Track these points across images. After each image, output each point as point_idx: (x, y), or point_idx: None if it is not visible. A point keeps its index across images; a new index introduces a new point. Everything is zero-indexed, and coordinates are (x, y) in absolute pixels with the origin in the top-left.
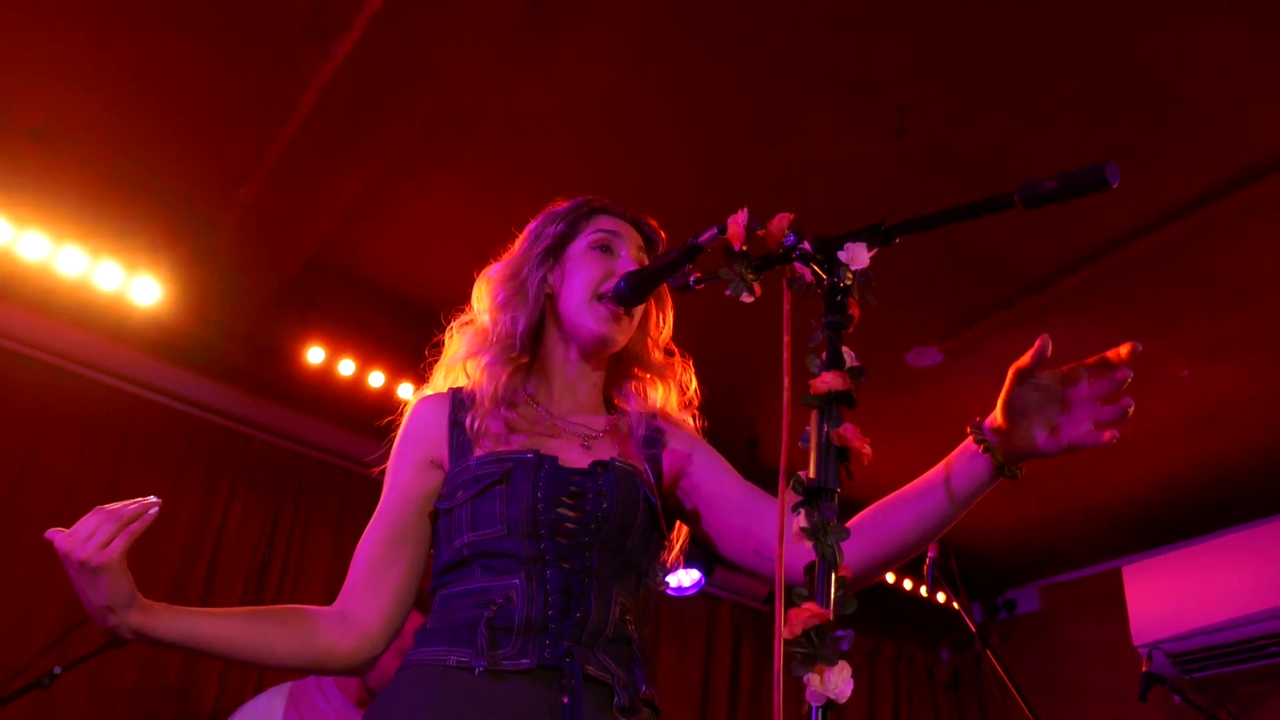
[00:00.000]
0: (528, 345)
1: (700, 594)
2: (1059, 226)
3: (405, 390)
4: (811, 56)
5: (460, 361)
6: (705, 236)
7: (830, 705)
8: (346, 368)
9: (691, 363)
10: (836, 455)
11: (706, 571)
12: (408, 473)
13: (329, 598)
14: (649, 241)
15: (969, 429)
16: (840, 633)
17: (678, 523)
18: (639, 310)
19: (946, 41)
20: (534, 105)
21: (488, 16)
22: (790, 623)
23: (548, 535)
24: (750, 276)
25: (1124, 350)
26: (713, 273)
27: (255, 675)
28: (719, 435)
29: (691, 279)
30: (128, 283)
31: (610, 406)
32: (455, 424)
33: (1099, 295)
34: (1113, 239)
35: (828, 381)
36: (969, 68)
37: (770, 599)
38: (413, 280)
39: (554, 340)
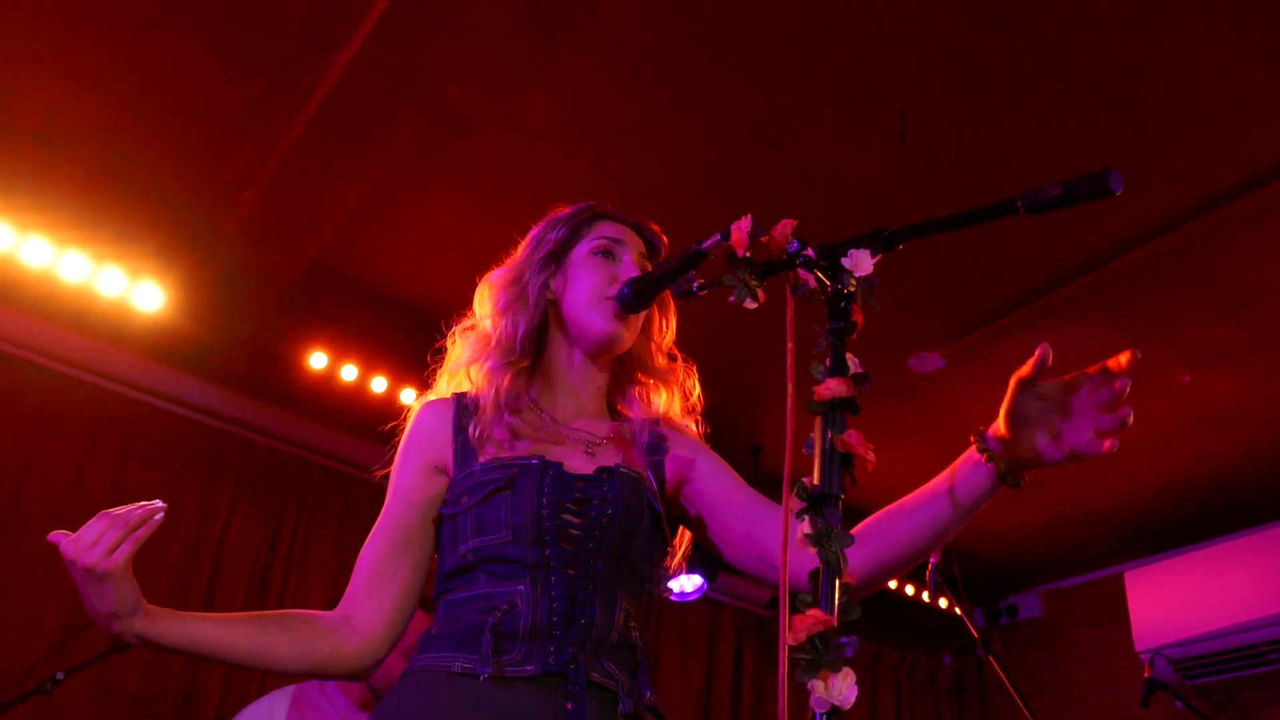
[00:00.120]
0: (529, 350)
1: (703, 599)
2: (1061, 233)
3: (407, 395)
4: (813, 63)
5: (463, 367)
6: (709, 243)
7: (835, 712)
8: (349, 373)
9: (695, 368)
10: (840, 462)
11: (709, 577)
12: (411, 478)
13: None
14: (651, 247)
15: (972, 438)
16: (844, 639)
17: (680, 528)
18: (643, 315)
19: (948, 48)
20: (535, 112)
21: (489, 24)
22: (794, 629)
23: (552, 541)
24: (754, 283)
25: (1124, 359)
26: (716, 279)
27: (258, 678)
28: (722, 441)
29: (695, 285)
30: (130, 288)
31: (614, 412)
32: (459, 429)
33: (1101, 301)
34: (1115, 245)
35: (832, 388)
36: (971, 74)
37: (773, 605)
38: (415, 286)
39: (558, 344)
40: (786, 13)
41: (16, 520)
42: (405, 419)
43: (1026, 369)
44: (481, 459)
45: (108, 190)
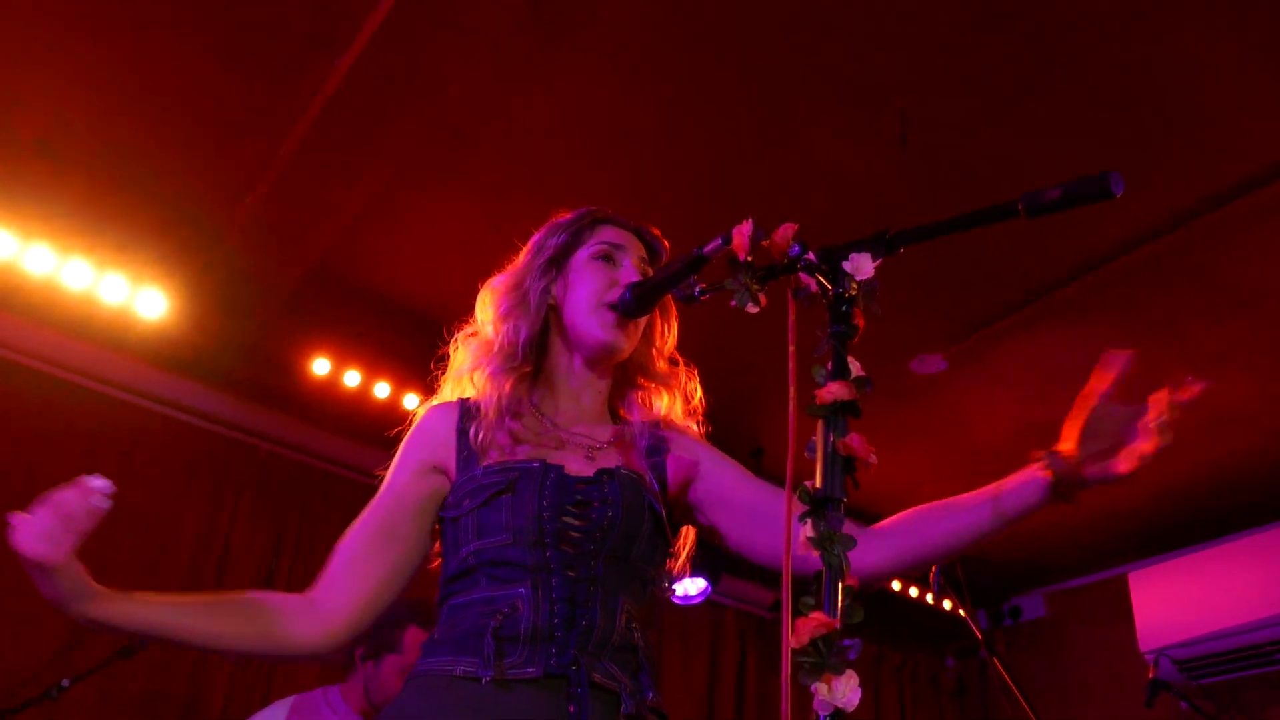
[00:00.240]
0: (530, 355)
1: (706, 602)
2: (1062, 234)
3: (410, 401)
4: (813, 65)
5: (466, 373)
6: (710, 247)
7: (838, 714)
8: (352, 378)
9: (696, 373)
10: (842, 465)
11: (712, 580)
12: (406, 474)
13: None
14: (652, 251)
15: (1035, 454)
16: (847, 641)
17: (683, 530)
18: (643, 320)
19: (948, 50)
20: (536, 115)
21: (490, 27)
22: (798, 632)
23: (553, 544)
24: (755, 287)
25: (1194, 389)
26: (718, 283)
27: (262, 685)
28: (723, 445)
29: (696, 289)
30: (133, 295)
31: (615, 417)
32: (462, 433)
33: (1102, 302)
34: (1116, 246)
35: (833, 391)
36: (971, 76)
37: (775, 607)
38: (417, 290)
39: (558, 350)
40: (787, 14)
41: None
42: (410, 423)
43: (1104, 383)
44: (483, 463)
45: (110, 197)
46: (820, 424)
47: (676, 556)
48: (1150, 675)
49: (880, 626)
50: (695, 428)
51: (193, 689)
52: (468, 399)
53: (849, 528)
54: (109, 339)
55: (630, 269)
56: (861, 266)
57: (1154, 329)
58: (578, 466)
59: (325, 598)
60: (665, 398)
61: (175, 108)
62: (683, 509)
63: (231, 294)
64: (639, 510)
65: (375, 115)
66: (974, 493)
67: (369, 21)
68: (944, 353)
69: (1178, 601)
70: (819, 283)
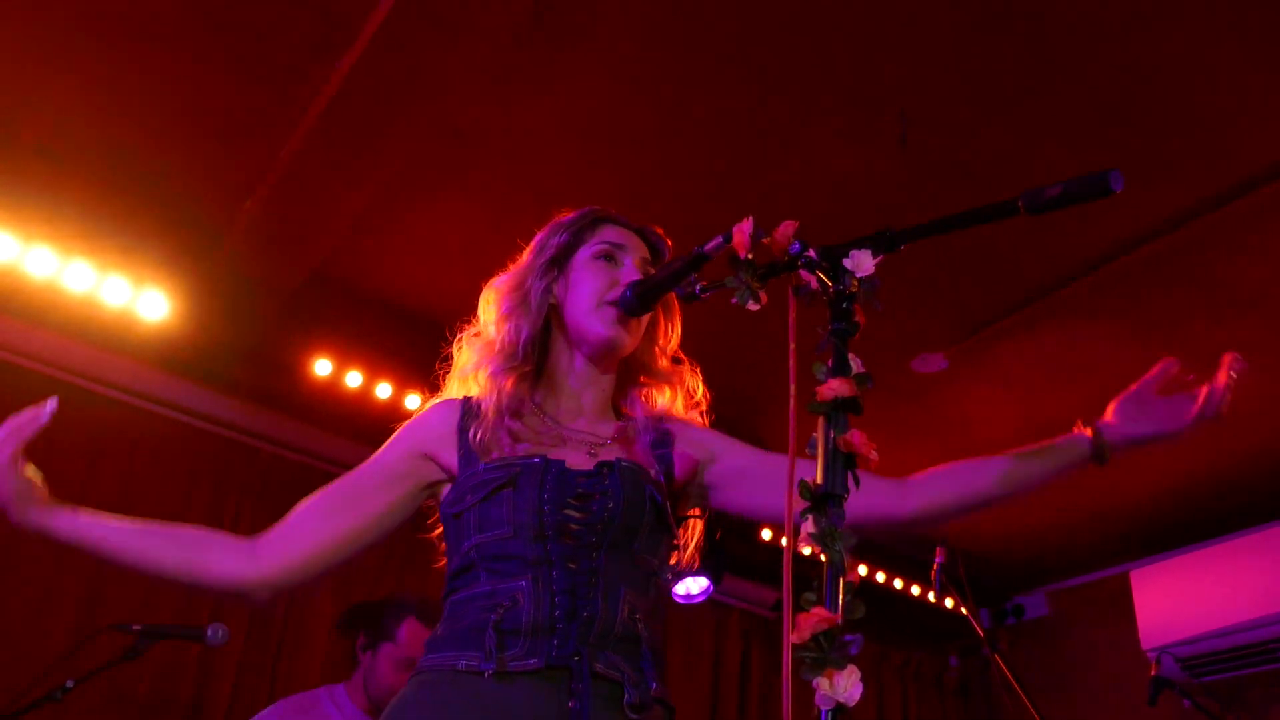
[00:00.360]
0: (531, 354)
1: (708, 602)
2: (1064, 233)
3: (412, 401)
4: (814, 67)
5: (470, 373)
6: (711, 245)
7: (840, 709)
8: (354, 379)
9: (699, 371)
10: (843, 462)
11: (715, 579)
12: (393, 452)
13: (337, 608)
14: (655, 251)
15: (1079, 422)
16: (849, 637)
17: (689, 523)
18: (646, 318)
19: (949, 51)
20: (537, 119)
21: (491, 32)
22: (799, 627)
23: (554, 537)
24: (756, 284)
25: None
26: (718, 281)
27: (267, 686)
28: None
29: (697, 287)
30: (135, 297)
31: (619, 415)
32: (462, 431)
33: (1104, 301)
34: (1117, 245)
35: (834, 388)
36: (972, 77)
37: (778, 607)
38: (419, 292)
39: (560, 349)
40: (787, 17)
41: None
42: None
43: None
44: (485, 460)
45: (112, 200)
46: (821, 421)
47: (684, 549)
48: (1152, 673)
49: (883, 625)
50: (699, 418)
51: (198, 691)
52: (471, 397)
53: (887, 480)
54: (111, 341)
55: (631, 268)
56: (862, 263)
57: (1155, 328)
58: (579, 461)
59: (267, 542)
60: (668, 394)
61: (177, 111)
62: (697, 494)
63: (233, 296)
64: (639, 502)
65: (376, 118)
66: (1015, 450)
67: (369, 25)
68: (945, 352)
69: (1180, 599)
70: (820, 280)
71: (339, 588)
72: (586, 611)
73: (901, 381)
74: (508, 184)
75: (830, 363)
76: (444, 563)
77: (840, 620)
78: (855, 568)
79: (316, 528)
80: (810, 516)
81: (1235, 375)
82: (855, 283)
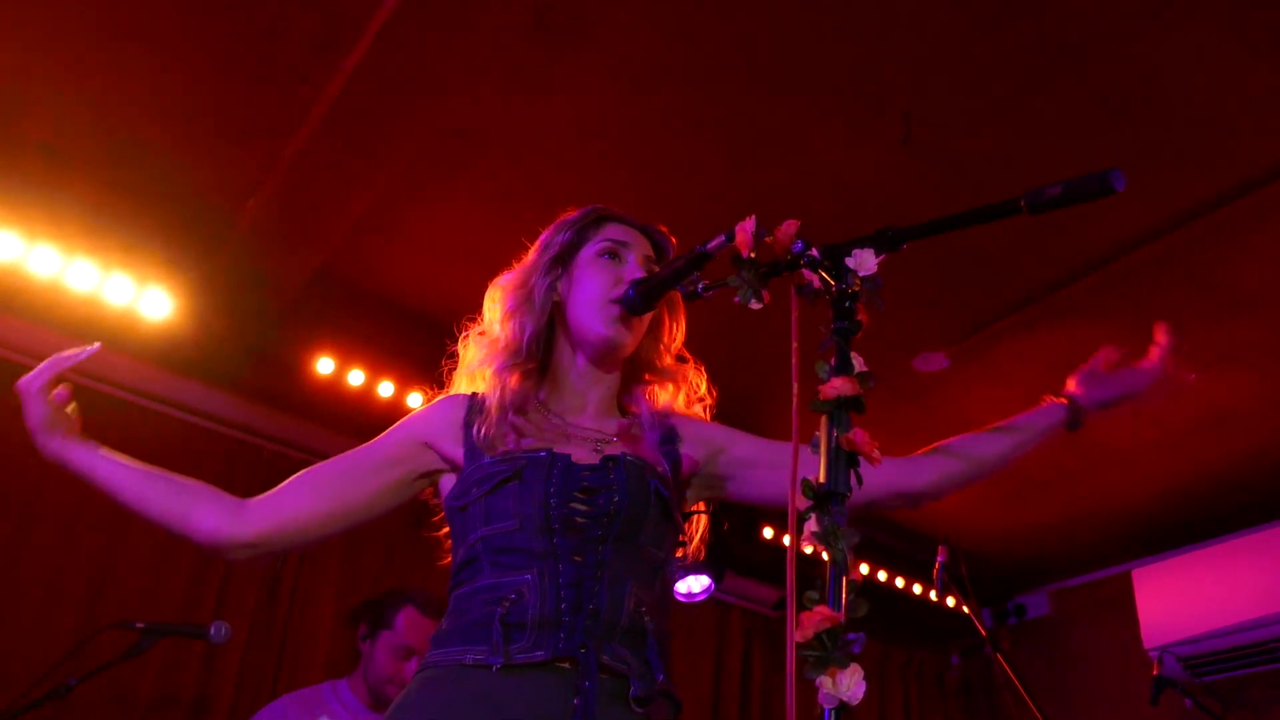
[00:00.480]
0: (535, 352)
1: (710, 601)
2: (1065, 233)
3: (414, 400)
4: (817, 67)
5: (475, 370)
6: (713, 244)
7: (843, 708)
8: (356, 378)
9: (704, 369)
10: (846, 460)
11: (716, 578)
12: (393, 436)
13: (340, 609)
14: (659, 249)
15: (1046, 396)
16: (852, 635)
17: (694, 518)
18: (649, 316)
19: (952, 50)
20: (539, 119)
21: (494, 31)
22: (802, 626)
23: (560, 530)
24: (758, 283)
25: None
26: (721, 280)
27: (270, 682)
28: None
29: (700, 285)
30: (138, 296)
31: (624, 412)
32: (468, 425)
33: (1105, 301)
34: (1119, 245)
35: (837, 387)
36: (975, 76)
37: (780, 605)
38: (421, 292)
39: (564, 347)
40: (789, 15)
41: (27, 527)
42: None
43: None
44: (490, 455)
45: (114, 198)
46: (824, 419)
47: (690, 542)
48: (1154, 673)
49: (885, 625)
50: (702, 413)
51: (201, 689)
52: (477, 394)
53: (897, 458)
54: (114, 340)
55: (635, 266)
56: (865, 262)
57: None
58: (584, 456)
59: (255, 505)
60: (671, 391)
61: (181, 110)
62: (706, 486)
63: (236, 295)
64: (644, 496)
65: (380, 117)
66: (1001, 422)
67: (373, 24)
68: (947, 351)
69: (1182, 599)
70: (822, 279)
71: (342, 586)
72: (592, 604)
73: (903, 380)
74: (511, 183)
75: (833, 361)
76: (448, 560)
77: (843, 619)
78: (857, 566)
79: (306, 499)
80: (813, 515)
81: (1165, 344)
82: (858, 282)
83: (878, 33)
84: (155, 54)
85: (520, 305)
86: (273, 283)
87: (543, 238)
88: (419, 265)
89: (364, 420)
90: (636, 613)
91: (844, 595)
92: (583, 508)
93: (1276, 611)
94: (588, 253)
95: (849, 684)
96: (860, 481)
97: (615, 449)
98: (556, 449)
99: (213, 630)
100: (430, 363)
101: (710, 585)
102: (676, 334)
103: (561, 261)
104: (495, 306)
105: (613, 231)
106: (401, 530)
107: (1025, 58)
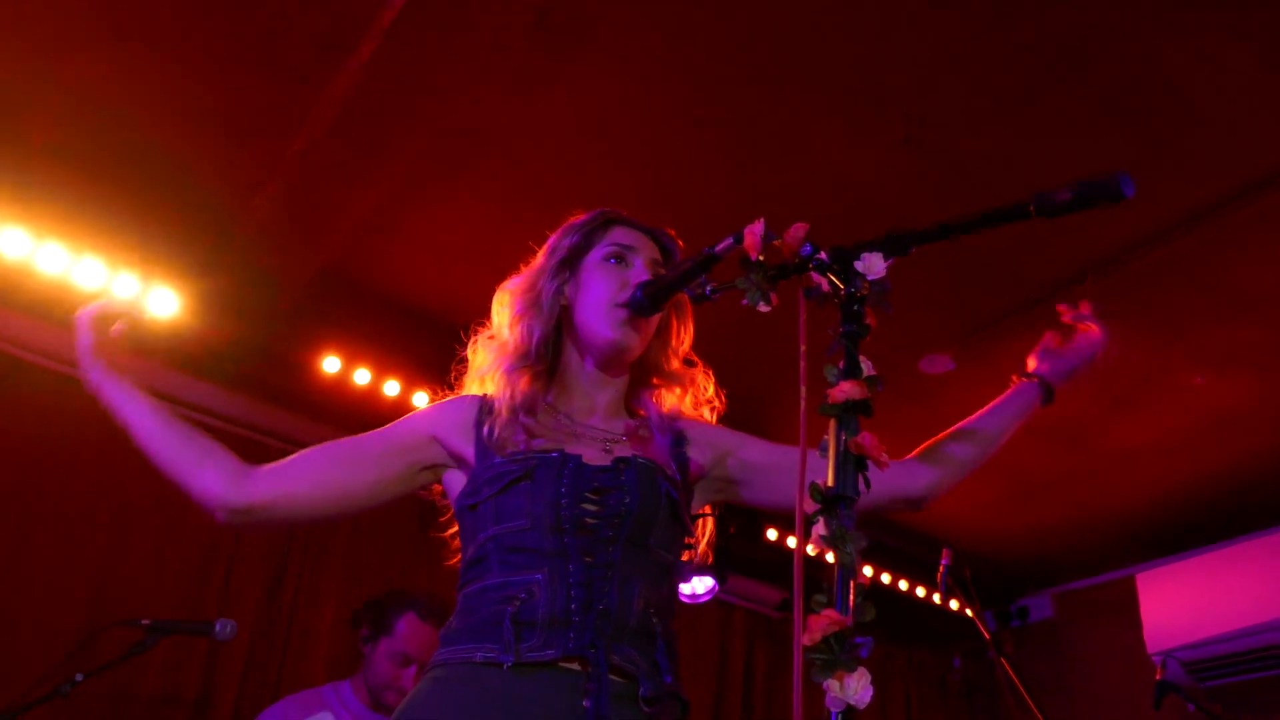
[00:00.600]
0: (543, 355)
1: (714, 601)
2: (1071, 234)
3: (420, 399)
4: (822, 68)
5: (485, 373)
6: (721, 246)
7: (849, 711)
8: (362, 377)
9: (712, 373)
10: (854, 464)
11: (720, 579)
12: (403, 426)
13: (344, 608)
14: (666, 252)
15: (1015, 376)
16: (859, 639)
17: (701, 521)
18: (657, 320)
19: (957, 52)
20: (542, 119)
21: (500, 32)
22: (810, 629)
23: (571, 530)
24: (767, 286)
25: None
26: (729, 282)
27: (273, 682)
28: None
29: (708, 288)
30: (144, 294)
31: (631, 415)
32: (479, 425)
33: (1110, 303)
34: (1124, 247)
35: (845, 390)
36: (978, 77)
37: (783, 606)
38: (427, 291)
39: (571, 350)
40: (794, 18)
41: (33, 524)
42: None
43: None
44: (500, 455)
45: (121, 197)
46: (832, 423)
47: (696, 545)
48: (1158, 677)
49: (887, 626)
50: (710, 417)
51: (205, 687)
52: (488, 395)
53: (895, 461)
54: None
55: (641, 270)
56: (873, 266)
57: (1163, 330)
58: (594, 456)
59: (259, 474)
60: (679, 395)
61: (188, 108)
62: (714, 490)
63: (243, 294)
64: (655, 498)
65: (386, 117)
66: (985, 409)
67: (379, 24)
68: (952, 352)
69: (1186, 603)
70: (831, 282)
71: (345, 587)
72: (602, 605)
73: (906, 381)
74: (514, 183)
75: (841, 365)
76: (455, 560)
77: (851, 622)
78: (863, 569)
79: (309, 476)
80: (821, 519)
81: (1081, 313)
82: (866, 285)
83: (881, 33)
84: (161, 54)
85: (528, 309)
86: (279, 282)
87: (550, 241)
88: (424, 264)
89: (370, 419)
90: (645, 614)
91: (851, 599)
92: (593, 508)
93: None
94: (594, 257)
95: (856, 687)
96: (869, 485)
97: (626, 450)
98: (568, 449)
99: (218, 628)
100: (436, 361)
101: (714, 586)
102: (684, 337)
103: (569, 265)
104: (503, 310)
105: (619, 235)
106: (405, 530)
107: (1028, 59)
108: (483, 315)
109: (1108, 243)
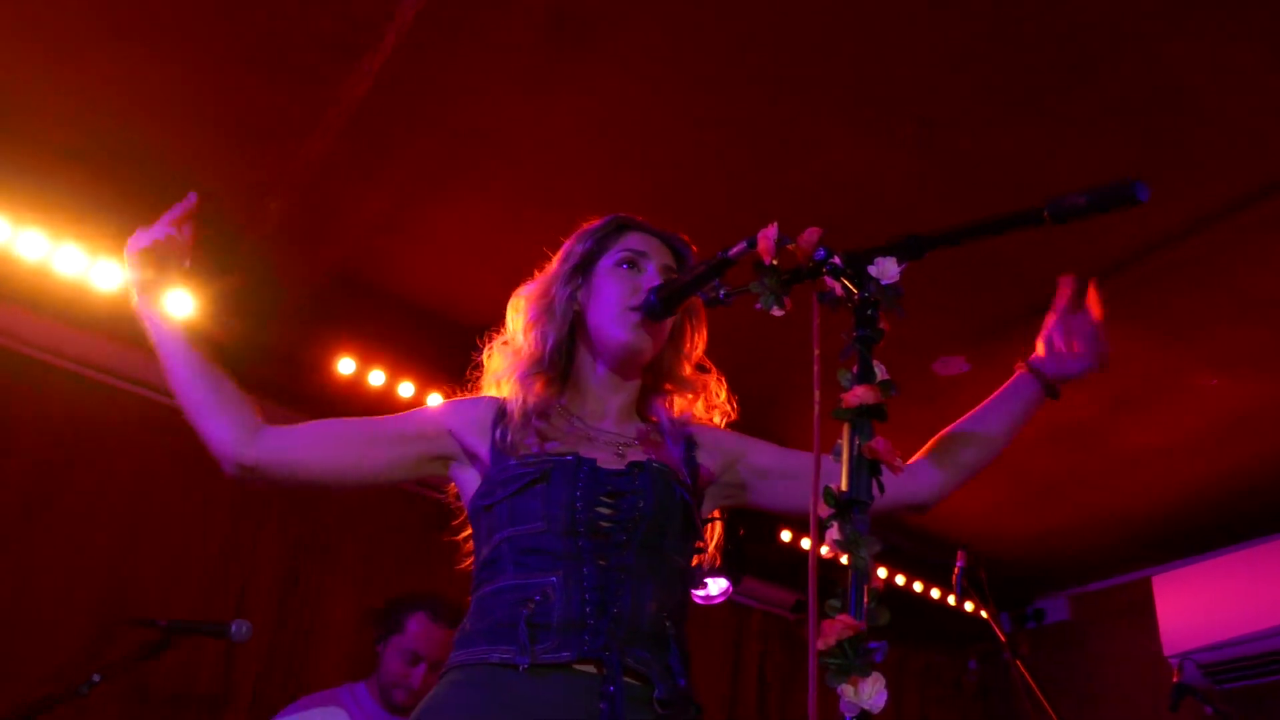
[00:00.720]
0: (557, 360)
1: (728, 604)
2: (1083, 236)
3: (435, 400)
4: (834, 71)
5: (500, 378)
6: (735, 250)
7: (864, 716)
8: (376, 378)
9: (724, 380)
10: (868, 469)
11: (734, 580)
12: (420, 415)
13: (358, 609)
14: (679, 257)
15: (1019, 363)
16: (873, 644)
17: (710, 525)
18: (669, 324)
19: (968, 55)
20: (557, 122)
21: (512, 35)
22: (824, 634)
23: (585, 533)
24: (780, 290)
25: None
26: (743, 286)
27: (288, 682)
28: None
29: (721, 292)
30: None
31: (644, 419)
32: (494, 426)
33: (1124, 305)
34: (1137, 249)
35: (859, 395)
36: (989, 78)
37: (797, 608)
38: (441, 292)
39: (585, 355)
40: (806, 22)
41: (46, 524)
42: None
43: (1061, 301)
44: (515, 457)
45: (136, 199)
46: (846, 427)
47: (705, 549)
48: (1174, 680)
49: (902, 628)
50: (720, 421)
51: (220, 689)
52: (504, 399)
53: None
54: (136, 338)
55: (653, 275)
56: (887, 270)
57: (1177, 331)
58: (608, 460)
59: (271, 434)
60: (690, 400)
61: (202, 111)
62: (724, 494)
63: (257, 295)
64: (670, 502)
65: (399, 120)
66: (988, 404)
67: (393, 29)
68: (966, 354)
69: (1202, 605)
70: (844, 287)
71: (360, 589)
72: (616, 608)
73: (918, 383)
74: (529, 185)
75: (855, 369)
76: (467, 564)
77: (865, 627)
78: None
79: (318, 446)
80: (835, 523)
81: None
82: (880, 290)
83: (888, 35)
84: (175, 56)
85: (541, 315)
86: (293, 283)
87: (564, 247)
88: (438, 266)
89: None
90: (659, 617)
91: (865, 603)
92: (608, 512)
93: None
94: (607, 262)
95: (871, 692)
96: (883, 490)
97: (639, 454)
98: (582, 452)
99: (234, 629)
100: (450, 363)
101: (728, 588)
102: (698, 342)
103: (582, 271)
104: (518, 316)
105: (632, 241)
106: (419, 532)
107: (1037, 61)
108: (497, 315)
109: (1122, 245)
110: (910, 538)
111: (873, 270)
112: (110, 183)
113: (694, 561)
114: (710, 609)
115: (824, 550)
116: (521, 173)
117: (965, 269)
